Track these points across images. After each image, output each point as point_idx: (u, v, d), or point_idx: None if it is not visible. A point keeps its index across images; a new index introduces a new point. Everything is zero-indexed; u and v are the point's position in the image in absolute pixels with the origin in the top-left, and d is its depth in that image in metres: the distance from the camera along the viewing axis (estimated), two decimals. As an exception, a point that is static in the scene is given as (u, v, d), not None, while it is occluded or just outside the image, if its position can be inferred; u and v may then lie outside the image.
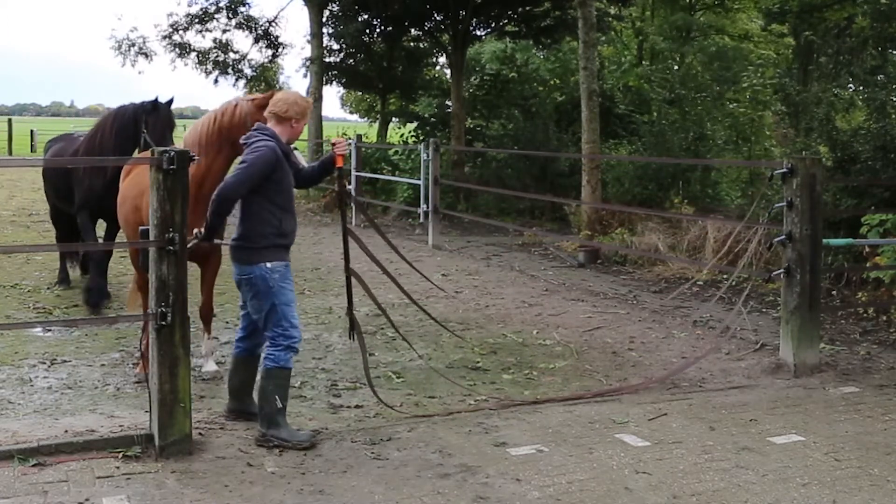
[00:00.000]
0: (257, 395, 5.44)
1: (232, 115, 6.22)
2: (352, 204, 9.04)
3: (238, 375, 5.71)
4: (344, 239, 5.99)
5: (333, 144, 5.82)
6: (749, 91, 18.71)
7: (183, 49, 23.54)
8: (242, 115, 6.16)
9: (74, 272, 10.32)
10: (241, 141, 5.52)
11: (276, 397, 5.28)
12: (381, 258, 6.42)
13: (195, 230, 5.41)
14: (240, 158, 5.48)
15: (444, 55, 23.78)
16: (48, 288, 9.96)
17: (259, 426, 5.30)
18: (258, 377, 5.51)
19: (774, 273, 7.29)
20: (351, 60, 24.51)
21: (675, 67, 20.91)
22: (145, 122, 8.72)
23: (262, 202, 5.27)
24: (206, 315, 6.86)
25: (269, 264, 5.29)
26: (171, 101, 8.98)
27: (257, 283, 5.29)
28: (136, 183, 6.82)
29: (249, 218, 5.33)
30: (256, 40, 23.83)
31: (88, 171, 8.93)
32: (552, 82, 22.51)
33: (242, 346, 5.68)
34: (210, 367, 6.83)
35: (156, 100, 8.87)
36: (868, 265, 9.65)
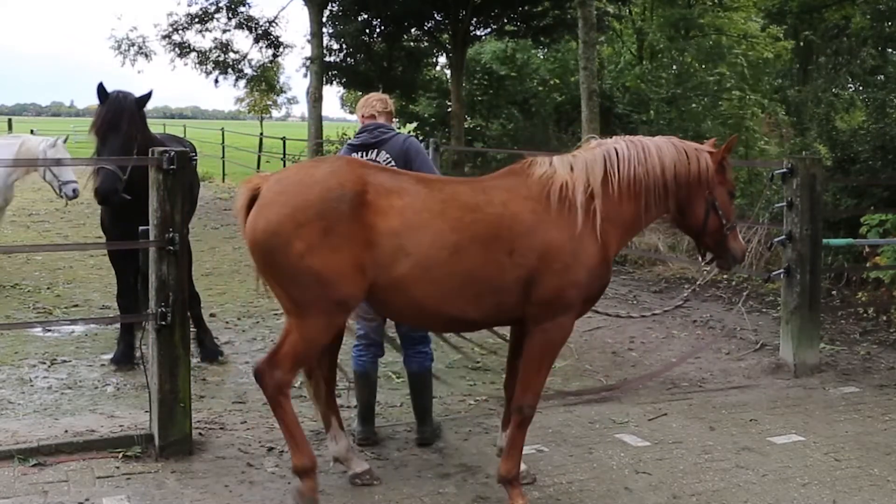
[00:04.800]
0: (423, 396, 5.28)
1: (698, 163, 4.36)
2: None
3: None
4: None
5: None
6: (738, 90, 18.72)
7: (183, 49, 23.55)
8: (705, 170, 4.39)
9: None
10: (374, 137, 5.00)
11: None
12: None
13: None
14: (386, 156, 5.02)
15: (444, 55, 23.79)
16: (48, 288, 9.96)
17: (427, 426, 5.27)
18: (417, 381, 5.28)
19: (774, 273, 7.29)
20: (351, 60, 24.49)
21: (673, 67, 20.92)
22: None
23: None
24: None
25: None
26: None
27: None
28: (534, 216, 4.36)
29: None
30: (256, 40, 23.84)
31: None
32: (552, 82, 22.51)
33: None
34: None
35: None
36: (868, 265, 9.66)
